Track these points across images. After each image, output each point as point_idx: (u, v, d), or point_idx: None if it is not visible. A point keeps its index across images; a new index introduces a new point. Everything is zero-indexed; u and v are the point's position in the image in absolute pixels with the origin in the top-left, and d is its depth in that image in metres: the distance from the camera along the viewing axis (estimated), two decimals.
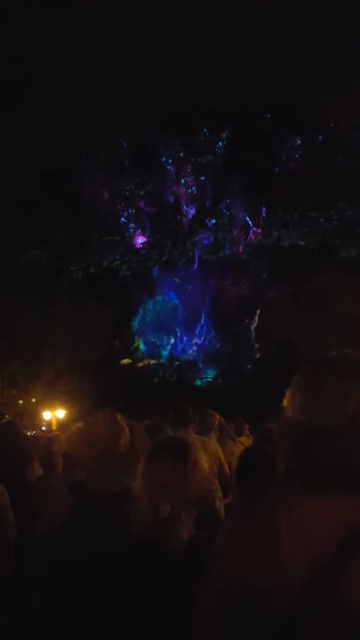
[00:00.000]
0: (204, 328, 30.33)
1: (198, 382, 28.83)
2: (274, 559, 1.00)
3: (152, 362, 29.86)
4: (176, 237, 29.41)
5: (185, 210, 29.58)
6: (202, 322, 30.29)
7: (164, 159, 29.35)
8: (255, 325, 30.92)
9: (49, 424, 24.35)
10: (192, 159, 29.24)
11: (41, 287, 28.18)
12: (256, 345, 30.80)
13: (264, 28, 43.77)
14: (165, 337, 30.74)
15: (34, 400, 29.28)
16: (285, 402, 1.13)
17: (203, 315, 30.20)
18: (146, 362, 30.05)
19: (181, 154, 29.10)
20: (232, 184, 27.81)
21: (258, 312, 30.66)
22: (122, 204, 29.69)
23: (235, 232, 29.43)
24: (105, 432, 2.39)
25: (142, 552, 1.72)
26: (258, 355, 30.52)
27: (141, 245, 29.98)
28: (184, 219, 29.55)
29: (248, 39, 42.91)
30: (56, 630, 2.15)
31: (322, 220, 28.16)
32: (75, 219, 28.56)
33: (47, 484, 4.03)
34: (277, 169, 28.73)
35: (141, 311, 31.23)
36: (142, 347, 30.97)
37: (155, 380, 28.60)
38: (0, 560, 3.29)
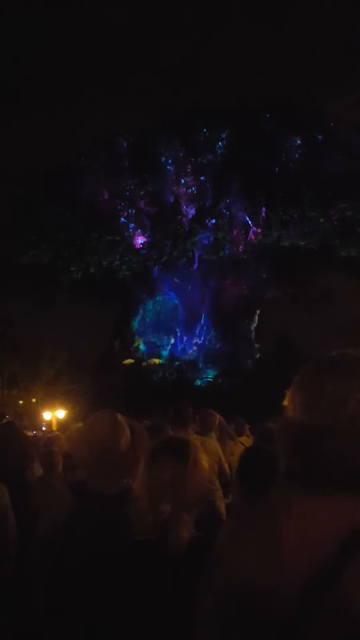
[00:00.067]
0: (204, 328, 30.33)
1: (198, 382, 28.84)
2: (275, 559, 1.00)
3: (158, 361, 29.85)
4: (176, 237, 29.42)
5: (185, 210, 29.59)
6: (202, 322, 30.30)
7: (164, 159, 29.36)
8: (255, 325, 30.92)
9: (49, 424, 24.34)
10: (192, 159, 29.24)
11: (41, 287, 28.18)
12: (256, 345, 30.81)
13: (264, 28, 43.81)
14: (165, 337, 30.75)
15: (34, 400, 29.28)
16: (286, 402, 1.13)
17: (203, 315, 30.20)
18: (150, 361, 30.05)
19: (181, 154, 29.10)
20: (232, 184, 27.82)
21: (258, 312, 30.67)
22: (122, 204, 29.70)
23: (235, 232, 29.43)
24: (106, 432, 2.39)
25: (142, 552, 1.72)
26: (258, 355, 30.52)
27: (141, 246, 29.98)
28: (184, 219, 29.55)
29: (248, 39, 42.96)
30: (56, 630, 2.15)
31: (322, 220, 28.16)
32: (75, 219, 28.57)
33: (47, 484, 4.02)
34: (277, 169, 28.74)
35: (141, 311, 31.23)
36: (142, 347, 30.98)
37: (155, 379, 28.61)
38: (1, 560, 3.29)
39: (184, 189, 29.43)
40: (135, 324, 31.26)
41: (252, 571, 1.02)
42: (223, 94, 30.03)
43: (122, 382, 26.79)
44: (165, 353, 30.46)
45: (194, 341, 30.46)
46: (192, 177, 29.41)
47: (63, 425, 17.53)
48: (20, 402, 29.92)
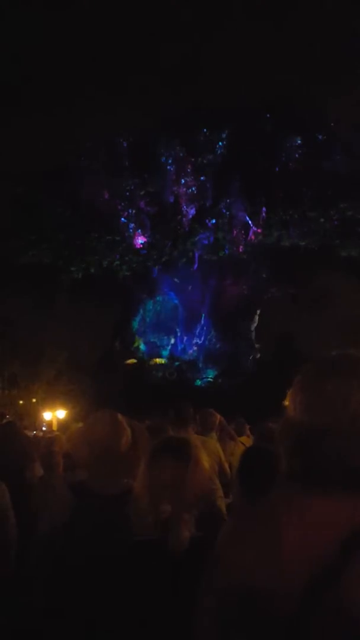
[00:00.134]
0: (204, 328, 30.34)
1: (198, 382, 28.85)
2: (275, 559, 1.00)
3: (161, 361, 29.83)
4: (176, 237, 29.43)
5: (185, 210, 29.60)
6: (202, 322, 30.31)
7: (164, 159, 29.38)
8: (255, 325, 30.93)
9: (49, 424, 24.31)
10: (192, 159, 29.27)
11: (41, 287, 28.20)
12: (256, 345, 30.81)
13: (264, 28, 43.81)
14: (166, 337, 30.76)
15: (34, 400, 29.26)
16: (286, 402, 1.13)
17: (203, 315, 30.21)
18: (153, 361, 30.05)
19: (181, 154, 29.12)
20: (232, 184, 27.83)
21: (258, 312, 30.67)
22: (122, 204, 29.72)
23: (235, 232, 29.45)
24: (106, 432, 2.39)
25: (142, 552, 1.72)
26: (258, 355, 30.52)
27: (141, 246, 30.00)
28: (184, 219, 29.57)
29: (248, 39, 42.97)
30: (56, 630, 2.15)
31: (322, 220, 28.19)
32: (75, 219, 28.60)
33: (48, 484, 4.02)
34: (277, 169, 28.75)
35: (141, 311, 31.24)
36: (142, 347, 30.98)
37: (155, 379, 28.61)
38: (1, 560, 3.28)
39: (184, 189, 29.45)
40: (136, 324, 31.28)
41: (253, 571, 1.02)
42: (223, 93, 30.10)
43: (122, 382, 26.80)
44: (165, 353, 30.46)
45: (194, 341, 30.47)
46: (192, 177, 29.43)
47: (63, 426, 17.53)
48: (21, 402, 29.88)
